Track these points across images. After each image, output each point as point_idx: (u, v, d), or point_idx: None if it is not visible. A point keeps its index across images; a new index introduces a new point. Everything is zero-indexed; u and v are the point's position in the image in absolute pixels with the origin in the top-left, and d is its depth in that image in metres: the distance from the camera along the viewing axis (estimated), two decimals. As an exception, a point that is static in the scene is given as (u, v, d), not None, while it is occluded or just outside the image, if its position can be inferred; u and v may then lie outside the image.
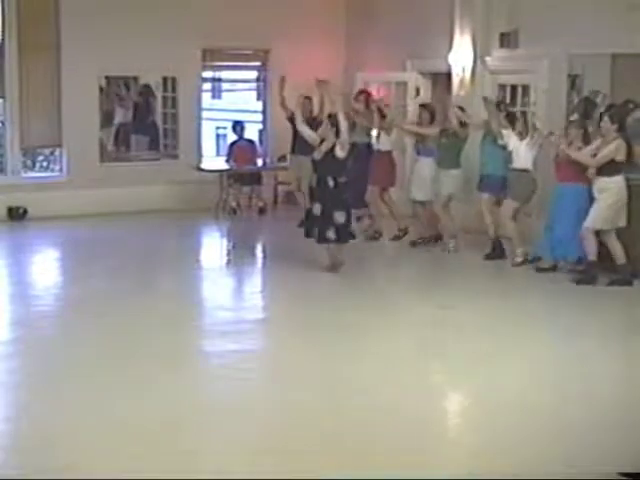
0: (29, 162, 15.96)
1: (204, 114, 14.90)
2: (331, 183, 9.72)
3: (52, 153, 15.41)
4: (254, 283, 10.41)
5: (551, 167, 10.24)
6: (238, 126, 14.36)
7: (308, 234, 10.02)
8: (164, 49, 13.85)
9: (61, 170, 14.13)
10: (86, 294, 9.44)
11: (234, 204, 14.10)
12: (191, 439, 5.78)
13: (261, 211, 14.10)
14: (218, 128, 20.16)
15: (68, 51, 13.50)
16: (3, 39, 13.20)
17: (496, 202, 10.87)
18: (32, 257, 11.66)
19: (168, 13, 13.94)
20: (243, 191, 14.20)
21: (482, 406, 6.53)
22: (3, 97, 13.50)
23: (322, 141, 9.79)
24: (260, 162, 14.54)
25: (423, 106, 11.94)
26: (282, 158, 14.33)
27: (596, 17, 10.89)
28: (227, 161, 14.33)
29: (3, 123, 14.18)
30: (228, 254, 12.14)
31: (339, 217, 9.74)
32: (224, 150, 13.78)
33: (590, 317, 8.83)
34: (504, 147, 10.50)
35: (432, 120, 11.57)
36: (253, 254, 11.62)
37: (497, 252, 10.94)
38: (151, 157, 14.29)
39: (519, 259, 10.54)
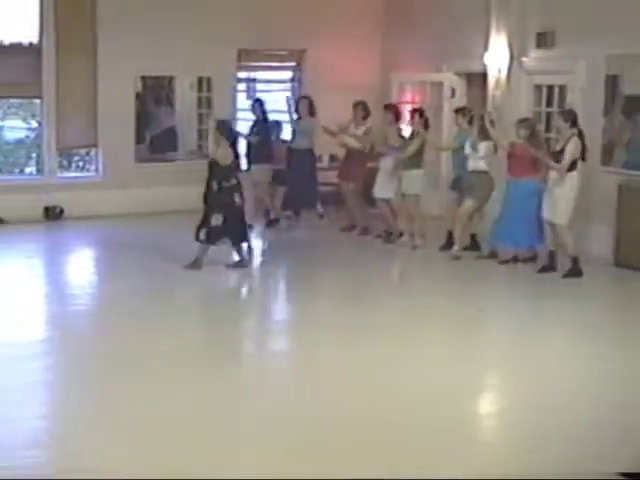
0: (65, 162, 15.96)
1: (239, 114, 14.84)
2: (215, 187, 10.13)
3: (88, 153, 15.41)
4: (288, 283, 10.45)
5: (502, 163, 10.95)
6: (276, 125, 14.16)
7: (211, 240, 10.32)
8: (200, 49, 13.93)
9: (97, 170, 14.23)
10: (121, 293, 9.53)
11: (270, 205, 14.05)
12: (224, 439, 5.83)
13: (297, 212, 14.07)
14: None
15: (104, 52, 13.62)
16: (41, 40, 13.33)
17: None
18: (68, 256, 11.81)
19: (204, 14, 14.01)
20: (280, 191, 14.14)
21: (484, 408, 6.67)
22: (40, 98, 13.61)
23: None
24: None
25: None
26: (319, 158, 14.42)
27: (634, 16, 10.81)
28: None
29: (40, 124, 14.28)
30: (263, 254, 12.12)
31: (215, 220, 10.11)
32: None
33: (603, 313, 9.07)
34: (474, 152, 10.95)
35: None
36: (289, 255, 11.65)
37: (449, 244, 11.50)
38: (185, 157, 14.37)
39: (458, 254, 11.07)
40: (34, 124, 16.65)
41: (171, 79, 14.34)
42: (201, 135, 14.49)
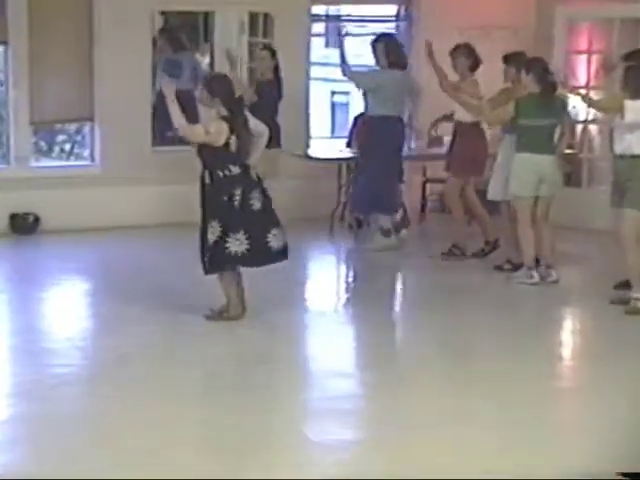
0: (44, 145, 15.97)
1: (314, 71, 15.08)
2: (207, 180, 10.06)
3: (79, 132, 15.76)
4: (380, 335, 10.33)
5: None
6: None
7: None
8: None
9: (92, 158, 14.35)
10: (124, 348, 9.50)
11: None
12: None
13: (401, 223, 13.61)
14: (335, 93, 20.05)
15: None
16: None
17: None
18: (45, 290, 11.72)
19: None
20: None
21: None
22: (4, 43, 13.63)
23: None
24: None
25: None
26: (436, 141, 14.51)
27: None
28: (349, 145, 14.32)
29: (3, 84, 14.37)
30: (346, 290, 12.32)
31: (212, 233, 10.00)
32: (345, 127, 13.54)
33: None
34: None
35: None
36: (381, 292, 11.72)
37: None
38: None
39: (639, 304, 10.72)
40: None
41: (207, 16, 14.55)
42: (256, 105, 14.24)
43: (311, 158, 14.25)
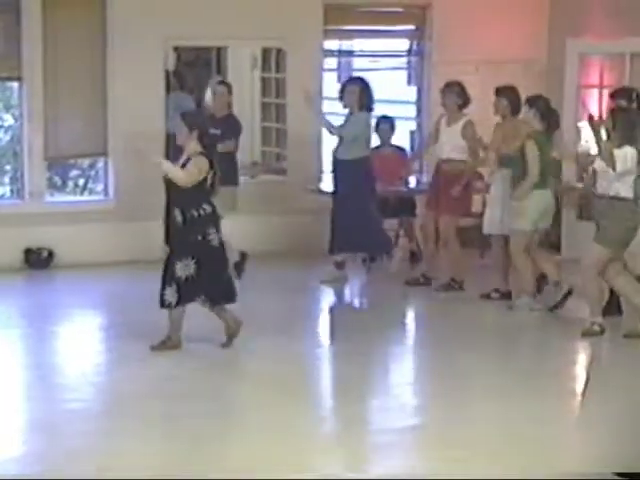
0: (57, 180, 16.23)
1: (326, 106, 14.89)
2: (179, 218, 10.28)
3: (92, 167, 15.87)
4: (394, 369, 10.53)
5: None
6: (385, 124, 14.23)
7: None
8: (265, 6, 14.19)
9: (106, 193, 14.42)
10: (138, 384, 9.51)
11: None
12: None
13: (413, 256, 13.93)
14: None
15: (118, 8, 13.78)
16: (19, -9, 13.44)
17: None
18: (59, 325, 11.76)
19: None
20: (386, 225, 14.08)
21: None
22: (19, 79, 13.68)
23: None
24: (414, 181, 14.41)
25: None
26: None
27: None
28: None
29: (18, 120, 14.50)
30: (351, 323, 12.16)
31: (183, 269, 10.21)
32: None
33: None
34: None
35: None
36: (386, 325, 11.68)
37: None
38: (243, 172, 14.29)
39: (595, 328, 11.08)
40: (9, 120, 17.03)
41: (220, 52, 14.67)
42: (266, 137, 14.82)
43: (323, 192, 14.13)
